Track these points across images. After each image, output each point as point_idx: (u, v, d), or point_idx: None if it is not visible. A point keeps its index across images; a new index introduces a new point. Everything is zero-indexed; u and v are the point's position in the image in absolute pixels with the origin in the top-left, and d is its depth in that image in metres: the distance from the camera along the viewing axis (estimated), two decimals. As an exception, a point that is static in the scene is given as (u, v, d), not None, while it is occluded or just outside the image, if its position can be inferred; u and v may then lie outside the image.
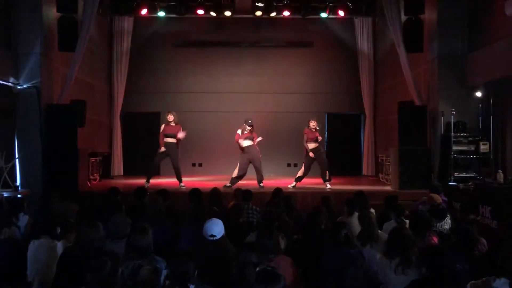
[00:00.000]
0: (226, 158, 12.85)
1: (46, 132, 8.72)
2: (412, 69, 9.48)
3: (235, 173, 9.71)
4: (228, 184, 9.55)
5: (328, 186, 9.73)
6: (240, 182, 9.82)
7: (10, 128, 8.49)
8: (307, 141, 9.62)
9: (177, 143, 9.71)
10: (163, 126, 9.75)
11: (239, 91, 13.60)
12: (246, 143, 9.65)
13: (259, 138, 9.73)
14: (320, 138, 9.71)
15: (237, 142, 9.71)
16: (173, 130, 9.62)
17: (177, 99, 13.53)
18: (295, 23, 13.18)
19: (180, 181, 9.77)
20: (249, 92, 13.59)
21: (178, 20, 12.76)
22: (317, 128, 9.70)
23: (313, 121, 9.68)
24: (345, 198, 5.93)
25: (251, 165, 9.72)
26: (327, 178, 9.74)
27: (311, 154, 9.57)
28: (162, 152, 9.64)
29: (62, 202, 6.41)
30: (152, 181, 10.45)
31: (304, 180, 10.47)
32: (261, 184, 9.67)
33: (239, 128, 9.78)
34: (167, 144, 9.62)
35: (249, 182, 10.02)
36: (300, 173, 9.88)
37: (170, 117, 9.69)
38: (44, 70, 8.84)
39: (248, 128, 9.68)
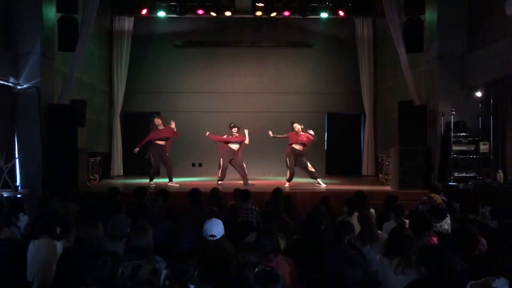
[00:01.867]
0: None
1: (46, 132, 8.72)
2: (412, 69, 9.48)
3: (219, 173, 10.22)
4: (220, 182, 10.08)
5: (321, 183, 9.93)
6: (240, 182, 10.03)
7: (10, 128, 8.49)
8: (290, 143, 10.01)
9: (166, 145, 10.15)
10: (151, 132, 10.06)
11: (239, 91, 13.60)
12: (234, 146, 10.18)
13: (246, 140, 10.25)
14: (305, 140, 9.97)
15: (224, 141, 10.25)
16: (162, 134, 10.02)
17: (177, 99, 13.54)
18: (295, 23, 13.18)
19: (170, 179, 10.09)
20: (249, 92, 13.59)
21: (178, 20, 12.77)
22: (302, 131, 10.01)
23: (296, 124, 10.05)
24: (345, 198, 5.93)
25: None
26: (314, 176, 10.03)
27: (287, 152, 10.00)
28: (153, 156, 10.05)
29: (62, 202, 6.41)
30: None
31: (304, 180, 10.56)
32: (249, 182, 9.96)
33: (226, 134, 10.27)
34: (156, 146, 10.00)
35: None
36: (288, 175, 10.08)
37: (158, 121, 10.10)
38: (44, 70, 8.85)
39: (235, 131, 10.13)
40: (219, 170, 10.24)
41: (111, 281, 3.04)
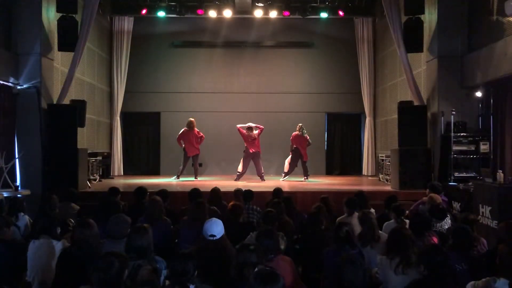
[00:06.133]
0: (226, 158, 12.90)
1: (46, 132, 8.72)
2: (412, 69, 9.48)
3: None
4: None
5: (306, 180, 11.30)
6: (239, 182, 10.36)
7: (10, 128, 8.48)
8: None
9: None
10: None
11: (239, 91, 13.60)
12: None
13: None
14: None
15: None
16: None
17: (177, 99, 13.54)
18: (295, 23, 13.19)
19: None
20: (249, 92, 13.59)
21: (178, 20, 12.77)
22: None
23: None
24: (345, 198, 5.93)
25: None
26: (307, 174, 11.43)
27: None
28: None
29: (62, 202, 6.41)
30: (152, 181, 10.53)
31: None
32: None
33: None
34: None
35: (249, 182, 10.11)
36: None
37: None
38: (44, 70, 8.84)
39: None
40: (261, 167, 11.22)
41: (117, 281, 3.03)
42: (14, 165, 8.30)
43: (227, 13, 12.08)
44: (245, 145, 11.06)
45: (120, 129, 13.14)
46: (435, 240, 4.58)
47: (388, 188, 9.73)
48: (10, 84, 8.41)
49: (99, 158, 11.19)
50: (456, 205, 7.62)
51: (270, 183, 10.13)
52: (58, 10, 9.16)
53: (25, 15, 8.73)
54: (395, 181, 9.31)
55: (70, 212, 6.24)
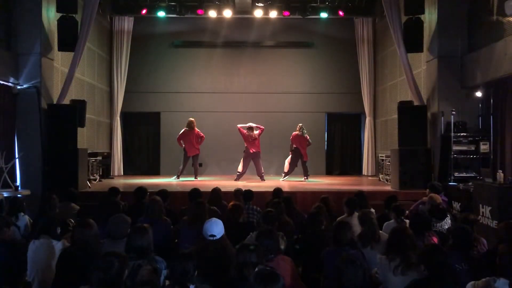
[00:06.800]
0: (226, 158, 12.91)
1: (46, 132, 8.72)
2: (412, 69, 9.48)
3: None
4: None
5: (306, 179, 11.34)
6: (239, 182, 10.36)
7: (10, 128, 8.48)
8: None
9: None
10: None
11: (239, 91, 13.61)
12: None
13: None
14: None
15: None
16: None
17: (177, 99, 13.55)
18: (295, 23, 13.19)
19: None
20: (249, 92, 13.59)
21: (178, 20, 12.78)
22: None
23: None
24: (345, 198, 5.93)
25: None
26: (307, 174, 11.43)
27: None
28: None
29: (62, 202, 6.41)
30: (152, 181, 10.53)
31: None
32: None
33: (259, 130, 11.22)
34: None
35: (249, 182, 10.11)
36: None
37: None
38: (44, 70, 8.84)
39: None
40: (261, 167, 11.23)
41: (117, 281, 3.03)
42: (14, 165, 8.30)
43: (227, 13, 12.08)
44: (245, 145, 11.06)
45: (120, 129, 13.14)
46: (435, 240, 4.58)
47: (388, 188, 9.73)
48: (10, 84, 8.41)
49: (99, 158, 11.19)
50: (456, 205, 7.62)
51: (270, 183, 10.13)
52: (58, 10, 9.16)
53: (25, 15, 8.72)
54: (395, 181, 9.31)
55: (70, 212, 6.24)
